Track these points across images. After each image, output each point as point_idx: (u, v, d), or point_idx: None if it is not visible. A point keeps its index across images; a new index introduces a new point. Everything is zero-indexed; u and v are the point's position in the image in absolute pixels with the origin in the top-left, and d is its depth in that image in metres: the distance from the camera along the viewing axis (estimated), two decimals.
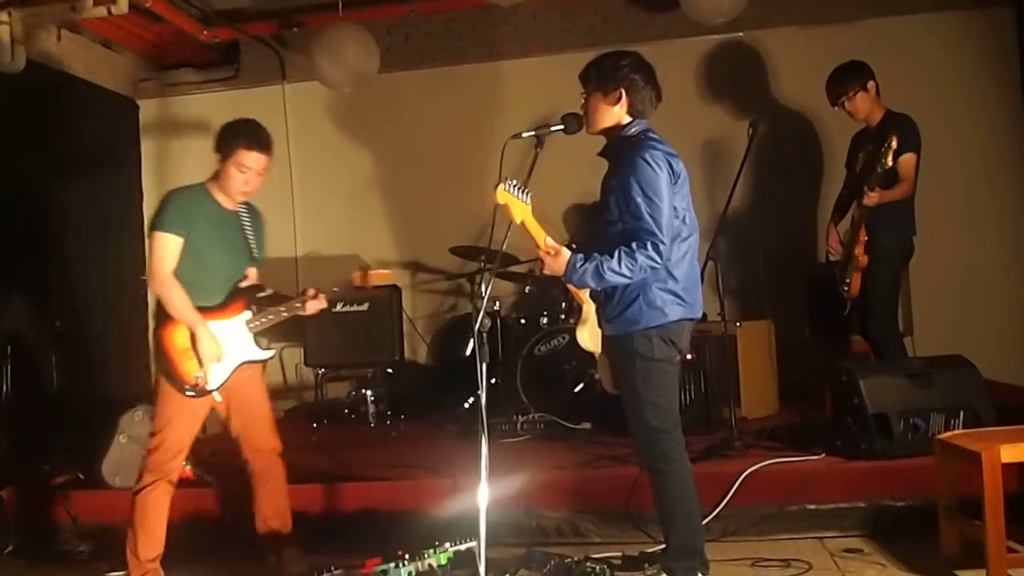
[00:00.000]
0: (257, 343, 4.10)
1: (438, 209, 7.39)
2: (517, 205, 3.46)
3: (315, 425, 6.30)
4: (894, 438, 4.37)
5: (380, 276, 4.19)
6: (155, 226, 3.95)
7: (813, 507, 4.32)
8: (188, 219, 3.94)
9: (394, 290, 6.84)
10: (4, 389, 5.70)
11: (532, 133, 3.59)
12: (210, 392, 3.96)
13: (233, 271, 4.11)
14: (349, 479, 4.84)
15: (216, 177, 4.05)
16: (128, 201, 7.57)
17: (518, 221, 3.49)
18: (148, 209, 7.08)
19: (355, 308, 6.66)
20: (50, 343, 6.03)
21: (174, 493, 4.03)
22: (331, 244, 7.68)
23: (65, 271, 6.43)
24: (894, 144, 4.84)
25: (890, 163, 4.88)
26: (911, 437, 4.36)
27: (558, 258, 3.49)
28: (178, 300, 3.89)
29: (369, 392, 6.62)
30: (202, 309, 3.96)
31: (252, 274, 4.20)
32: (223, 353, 3.95)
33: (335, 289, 4.17)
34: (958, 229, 6.64)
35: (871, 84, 5.33)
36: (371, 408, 6.56)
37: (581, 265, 3.43)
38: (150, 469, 3.95)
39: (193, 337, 3.90)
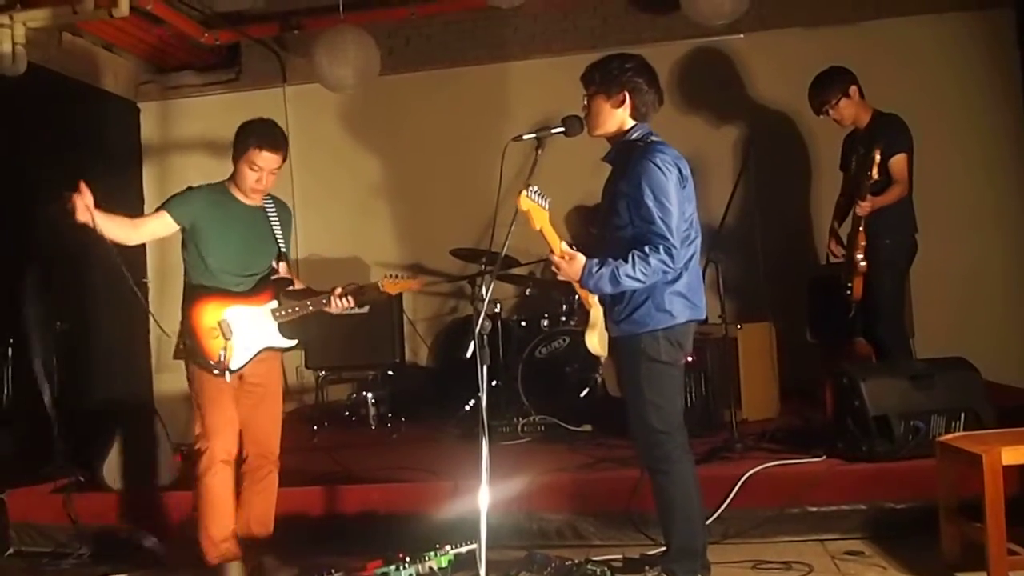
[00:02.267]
0: (281, 332, 4.15)
1: (439, 211, 7.40)
2: (538, 212, 3.45)
3: (316, 427, 6.30)
4: (895, 440, 4.37)
5: (406, 285, 4.26)
6: (162, 204, 4.11)
7: (814, 509, 4.31)
8: (192, 212, 4.05)
9: None
10: (5, 391, 5.70)
11: (533, 135, 3.59)
12: (233, 371, 3.99)
13: (255, 265, 4.17)
14: (350, 481, 4.84)
15: (232, 175, 4.15)
16: (129, 204, 7.54)
17: (537, 228, 3.48)
18: (149, 211, 7.10)
19: (356, 310, 6.65)
20: (52, 345, 6.03)
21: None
22: (332, 246, 7.68)
23: (67, 273, 6.43)
24: (877, 157, 4.85)
25: (876, 176, 4.90)
26: (912, 439, 4.35)
27: (573, 263, 3.49)
28: (115, 229, 3.94)
29: (370, 394, 6.63)
30: (232, 293, 4.06)
31: (283, 269, 4.28)
32: None
33: (362, 291, 4.18)
34: (959, 231, 6.64)
35: (853, 89, 5.32)
36: (372, 410, 6.57)
37: (597, 270, 3.43)
38: (201, 452, 3.97)
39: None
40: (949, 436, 3.99)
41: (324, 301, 4.13)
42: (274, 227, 4.22)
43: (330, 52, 6.62)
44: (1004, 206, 6.79)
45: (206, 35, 7.19)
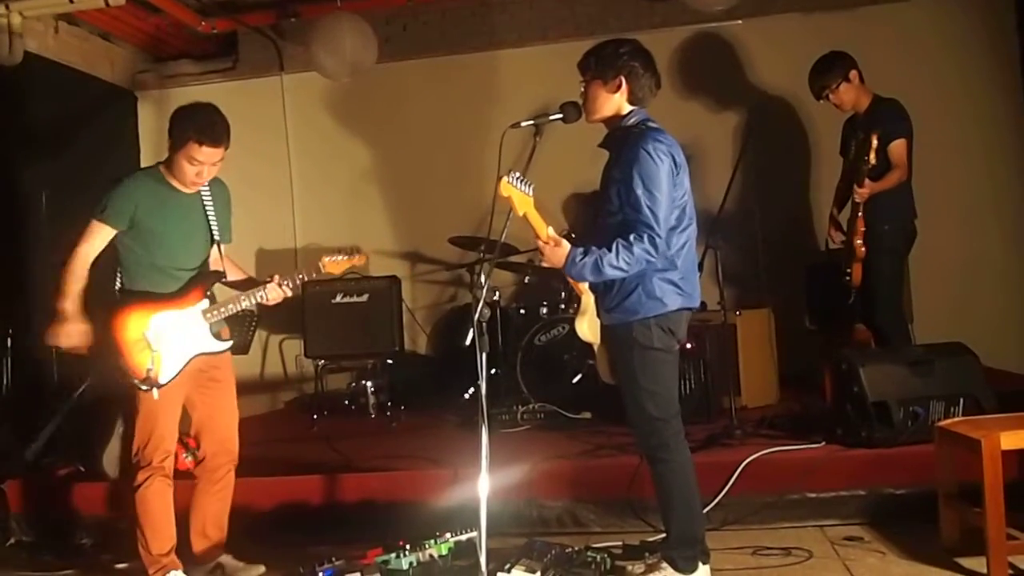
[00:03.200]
0: (215, 334, 3.93)
1: (437, 199, 7.39)
2: (520, 198, 3.44)
3: (315, 416, 6.31)
4: (894, 426, 4.37)
5: (349, 263, 4.06)
6: (94, 212, 3.84)
7: (813, 495, 4.32)
8: (129, 211, 3.82)
9: (394, 281, 6.84)
10: (5, 381, 5.70)
11: (531, 122, 3.58)
12: (162, 385, 3.79)
13: (192, 256, 3.94)
14: (350, 470, 4.84)
15: (168, 163, 3.89)
16: None
17: (520, 214, 3.47)
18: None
19: (355, 299, 6.66)
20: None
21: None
22: (330, 235, 7.64)
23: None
24: (875, 142, 4.84)
25: (873, 161, 4.89)
26: (911, 425, 4.36)
27: (558, 250, 3.48)
28: (71, 286, 3.80)
29: (369, 383, 6.64)
30: (159, 297, 3.85)
31: (215, 256, 4.01)
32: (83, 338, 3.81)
33: (301, 276, 4.01)
34: (958, 216, 6.63)
35: (853, 73, 5.30)
36: (371, 399, 6.58)
37: (580, 259, 3.42)
38: (141, 466, 3.88)
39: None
40: (948, 421, 4.00)
41: (259, 294, 3.92)
42: (209, 215, 3.95)
43: (327, 40, 6.60)
44: (1003, 191, 6.78)
45: (203, 23, 7.17)
